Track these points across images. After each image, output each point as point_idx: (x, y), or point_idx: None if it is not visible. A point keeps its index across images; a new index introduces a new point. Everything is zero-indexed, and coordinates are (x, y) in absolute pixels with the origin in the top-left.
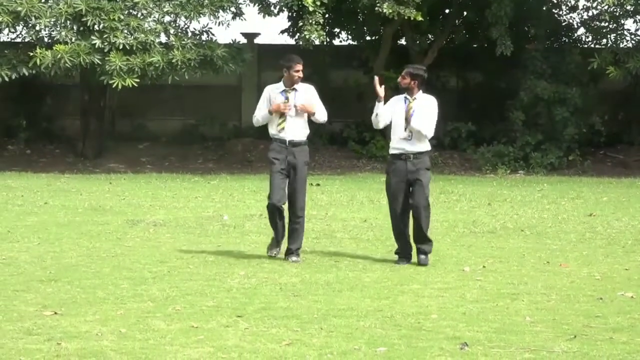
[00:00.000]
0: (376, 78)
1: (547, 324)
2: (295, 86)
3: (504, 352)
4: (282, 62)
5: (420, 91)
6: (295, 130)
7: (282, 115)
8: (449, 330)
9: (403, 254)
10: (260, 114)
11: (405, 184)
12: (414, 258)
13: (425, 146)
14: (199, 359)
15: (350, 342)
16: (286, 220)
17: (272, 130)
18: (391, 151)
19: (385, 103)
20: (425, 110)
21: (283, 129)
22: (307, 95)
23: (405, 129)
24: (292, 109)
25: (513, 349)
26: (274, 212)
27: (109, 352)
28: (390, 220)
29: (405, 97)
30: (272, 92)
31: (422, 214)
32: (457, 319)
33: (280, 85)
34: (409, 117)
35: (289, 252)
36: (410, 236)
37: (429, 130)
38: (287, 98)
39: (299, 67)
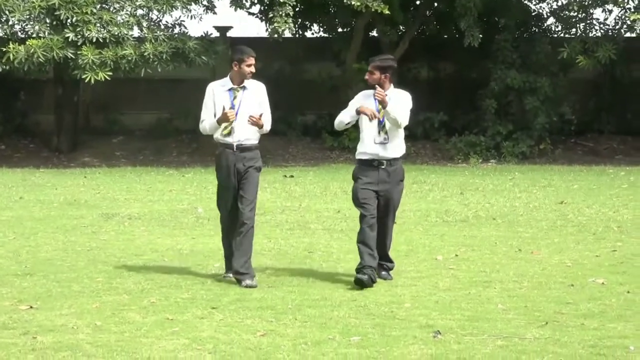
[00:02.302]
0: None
1: (519, 311)
2: (245, 83)
3: (476, 339)
4: (232, 56)
5: (392, 86)
6: (244, 132)
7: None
8: (422, 318)
9: (364, 270)
10: (208, 122)
11: (376, 193)
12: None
13: (401, 151)
14: (174, 351)
15: (324, 331)
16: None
17: (217, 134)
18: (360, 156)
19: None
20: (399, 103)
21: (230, 132)
22: (257, 96)
23: (379, 133)
24: (236, 115)
25: (485, 337)
26: (226, 236)
27: (85, 345)
28: (359, 228)
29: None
30: (217, 91)
31: (387, 232)
32: (430, 308)
33: (226, 82)
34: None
35: (237, 273)
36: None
37: (405, 118)
38: (234, 97)
39: (252, 60)
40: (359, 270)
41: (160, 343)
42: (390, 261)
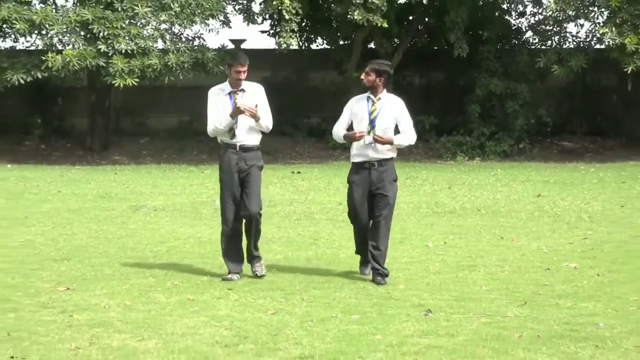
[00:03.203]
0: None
1: (501, 292)
2: (243, 86)
3: (463, 317)
4: (227, 59)
5: (385, 90)
6: (247, 134)
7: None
8: (415, 298)
9: (367, 263)
10: (219, 120)
11: (369, 195)
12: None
13: (391, 153)
14: (194, 327)
15: (328, 310)
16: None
17: (222, 137)
18: (353, 159)
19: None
20: (393, 114)
21: (233, 135)
22: (256, 97)
23: (369, 133)
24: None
25: (471, 315)
26: (229, 238)
27: (116, 322)
28: (353, 231)
29: (368, 97)
30: (218, 94)
31: (380, 231)
32: (422, 289)
33: (225, 87)
34: (379, 131)
35: (252, 257)
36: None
37: (413, 137)
38: (234, 100)
39: (241, 68)
40: (361, 263)
41: (182, 320)
42: (385, 269)
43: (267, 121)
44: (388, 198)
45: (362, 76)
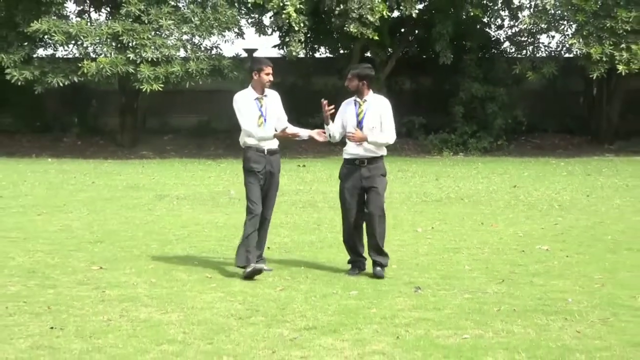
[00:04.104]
0: (323, 102)
1: (482, 271)
2: (265, 92)
3: (448, 293)
4: (252, 66)
5: (371, 91)
6: (273, 139)
7: (259, 124)
8: (406, 277)
9: (355, 264)
10: (255, 130)
11: (360, 191)
12: (368, 267)
13: (381, 151)
14: (212, 302)
15: (330, 287)
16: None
17: (249, 140)
18: (345, 156)
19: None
20: (378, 113)
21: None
22: (277, 103)
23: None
24: (265, 120)
25: (455, 291)
26: (256, 223)
27: (143, 297)
28: (342, 228)
29: (355, 100)
30: (246, 100)
31: (376, 223)
32: (412, 269)
33: (250, 92)
34: (361, 124)
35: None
36: (365, 247)
37: (391, 136)
38: (261, 105)
39: (270, 70)
40: (350, 263)
41: (201, 296)
42: (385, 255)
43: (291, 127)
44: (378, 189)
45: (346, 82)
